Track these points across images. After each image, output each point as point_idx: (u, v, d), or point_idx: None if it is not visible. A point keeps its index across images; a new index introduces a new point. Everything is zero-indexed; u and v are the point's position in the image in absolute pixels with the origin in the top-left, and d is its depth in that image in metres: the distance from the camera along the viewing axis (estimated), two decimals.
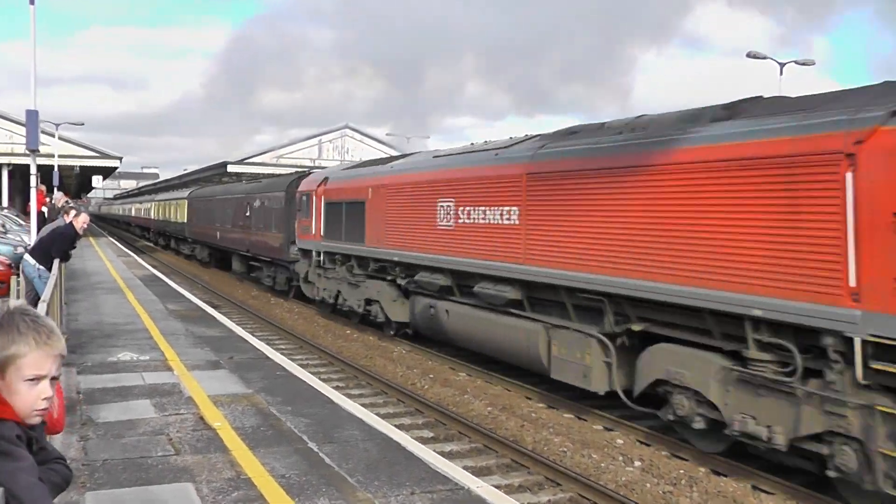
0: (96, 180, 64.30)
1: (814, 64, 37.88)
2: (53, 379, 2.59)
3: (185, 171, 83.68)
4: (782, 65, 35.87)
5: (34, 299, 12.59)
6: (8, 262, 21.03)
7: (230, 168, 59.59)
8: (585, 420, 12.73)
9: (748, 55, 35.24)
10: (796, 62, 36.64)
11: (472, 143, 17.30)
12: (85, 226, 14.32)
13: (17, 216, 36.31)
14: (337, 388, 12.30)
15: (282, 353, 14.50)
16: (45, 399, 2.56)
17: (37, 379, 2.53)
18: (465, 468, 8.47)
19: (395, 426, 9.78)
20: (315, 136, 67.01)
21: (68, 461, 2.88)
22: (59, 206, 25.13)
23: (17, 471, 2.38)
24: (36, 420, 2.58)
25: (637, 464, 10.67)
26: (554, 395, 14.18)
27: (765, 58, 35.48)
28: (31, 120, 20.79)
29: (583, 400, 13.94)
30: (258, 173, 51.04)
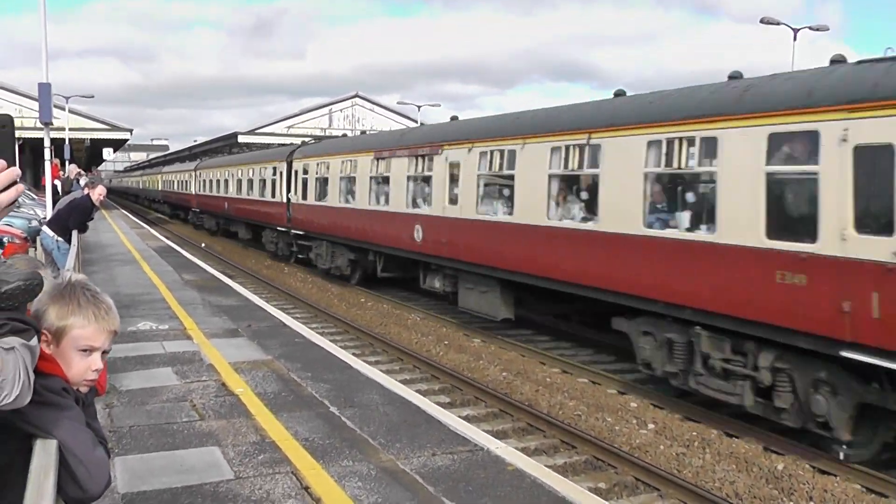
0: (107, 153, 64.26)
1: (828, 30, 37.53)
2: (104, 352, 2.73)
3: (196, 143, 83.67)
4: (796, 31, 35.52)
5: (54, 271, 12.75)
6: (24, 235, 21.18)
7: (241, 139, 59.58)
8: (599, 384, 12.89)
9: (762, 21, 34.88)
10: (810, 28, 36.29)
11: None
12: (101, 197, 14.44)
13: (28, 190, 36.41)
14: (354, 354, 12.45)
15: (298, 322, 14.68)
16: (94, 370, 2.69)
17: (90, 350, 2.67)
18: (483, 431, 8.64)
19: (413, 391, 9.95)
20: (325, 106, 66.89)
21: None
22: (73, 177, 25.23)
23: (62, 419, 2.51)
24: (84, 389, 2.71)
25: (651, 426, 10.83)
26: (568, 360, 14.35)
27: (778, 23, 35.13)
28: (44, 93, 20.76)
29: (596, 364, 14.11)
30: (270, 143, 50.96)
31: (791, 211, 9.57)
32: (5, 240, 19.03)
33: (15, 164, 2.02)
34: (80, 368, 2.65)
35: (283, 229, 29.08)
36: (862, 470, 9.11)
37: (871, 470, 9.11)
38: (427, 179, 18.13)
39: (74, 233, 14.12)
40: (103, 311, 2.69)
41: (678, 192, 11.25)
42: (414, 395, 9.42)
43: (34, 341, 2.30)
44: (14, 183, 2.02)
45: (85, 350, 2.65)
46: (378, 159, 20.83)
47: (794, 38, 35.43)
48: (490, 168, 15.50)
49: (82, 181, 21.47)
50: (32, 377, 2.23)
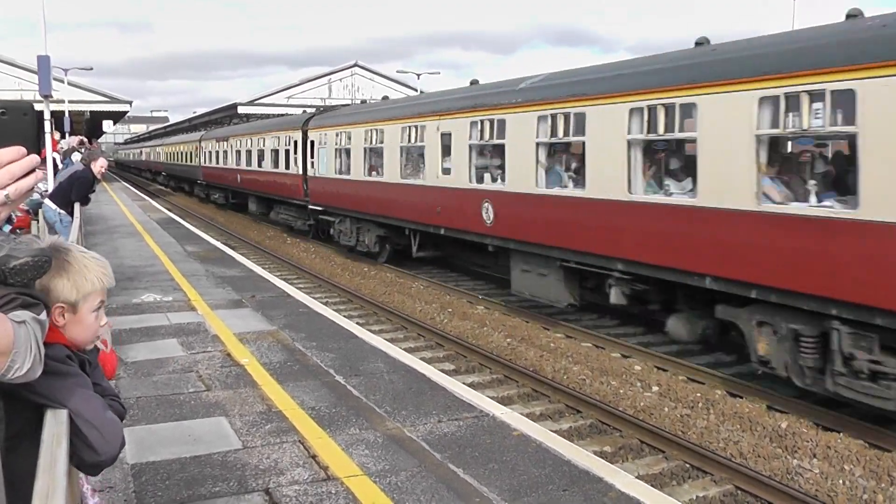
0: (107, 125, 64.06)
1: None
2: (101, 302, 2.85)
3: (196, 114, 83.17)
4: None
5: None
6: (25, 208, 21.12)
7: (241, 109, 59.36)
8: (603, 348, 12.93)
9: None
10: None
11: None
12: (103, 170, 14.41)
13: None
14: (358, 324, 12.49)
15: (302, 292, 14.70)
16: (103, 325, 2.83)
17: (100, 306, 2.78)
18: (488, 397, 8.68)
19: (418, 359, 9.99)
20: (324, 76, 66.54)
21: None
22: (75, 145, 25.09)
23: (72, 386, 2.55)
24: (90, 346, 2.83)
25: (655, 389, 10.88)
26: (572, 325, 14.38)
27: None
28: (44, 66, 20.63)
29: (599, 329, 14.14)
30: (268, 114, 50.75)
31: None
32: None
33: (37, 151, 2.03)
34: (95, 326, 2.78)
35: None
36: (866, 426, 9.16)
37: (875, 426, 9.16)
38: None
39: (77, 205, 14.13)
40: (104, 268, 2.80)
41: None
42: (419, 362, 9.46)
43: (43, 315, 2.33)
44: (34, 170, 2.04)
45: (97, 308, 2.76)
46: None
47: None
48: None
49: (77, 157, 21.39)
50: (43, 351, 2.26)
